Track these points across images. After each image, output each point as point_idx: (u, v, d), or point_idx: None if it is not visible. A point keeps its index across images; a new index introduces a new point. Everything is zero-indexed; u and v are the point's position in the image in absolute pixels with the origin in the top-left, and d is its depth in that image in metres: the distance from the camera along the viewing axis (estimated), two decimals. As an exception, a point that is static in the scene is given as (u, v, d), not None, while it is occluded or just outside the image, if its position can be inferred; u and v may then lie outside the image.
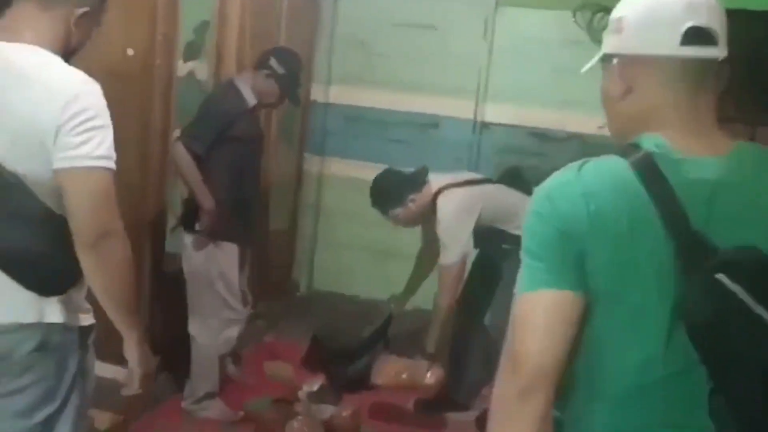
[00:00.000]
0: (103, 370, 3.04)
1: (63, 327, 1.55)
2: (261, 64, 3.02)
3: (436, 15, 4.45)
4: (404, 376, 2.94)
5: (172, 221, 3.41)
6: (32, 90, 1.44)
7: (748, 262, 1.08)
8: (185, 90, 3.36)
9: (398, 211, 3.06)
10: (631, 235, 1.12)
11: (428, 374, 2.92)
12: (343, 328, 3.92)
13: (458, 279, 2.98)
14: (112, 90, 2.91)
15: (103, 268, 1.51)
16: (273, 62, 2.98)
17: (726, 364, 1.08)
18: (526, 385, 1.12)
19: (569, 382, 1.17)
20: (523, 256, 1.18)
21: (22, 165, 1.45)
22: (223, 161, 2.94)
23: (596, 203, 1.12)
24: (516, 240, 1.33)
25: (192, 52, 3.59)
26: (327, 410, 2.93)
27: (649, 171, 1.13)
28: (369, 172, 4.63)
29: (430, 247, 3.22)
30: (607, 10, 2.79)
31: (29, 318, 1.51)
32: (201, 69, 3.60)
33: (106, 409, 2.90)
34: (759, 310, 1.04)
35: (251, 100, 3.00)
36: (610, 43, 1.25)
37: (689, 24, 1.16)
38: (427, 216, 3.08)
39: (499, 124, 4.39)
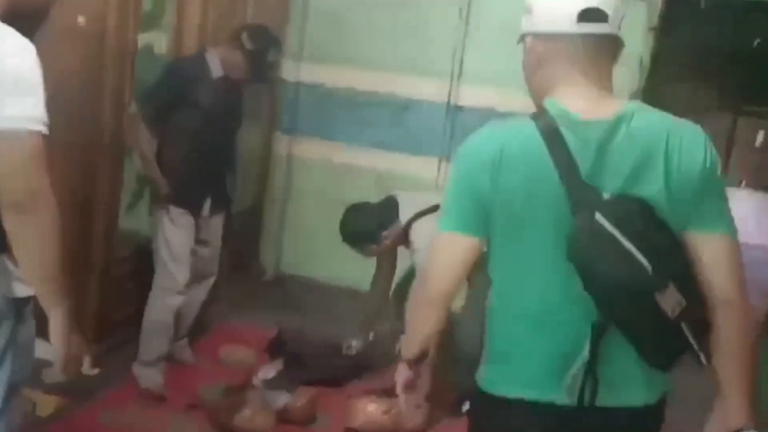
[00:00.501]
0: (44, 350, 2.95)
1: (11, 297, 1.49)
2: (232, 37, 3.02)
3: (410, -9, 4.31)
4: (385, 416, 2.80)
5: (127, 198, 3.30)
6: None
7: (623, 207, 1.32)
8: (142, 64, 3.21)
9: (372, 247, 3.08)
10: (532, 186, 1.36)
11: (413, 412, 2.80)
12: (310, 321, 3.83)
13: None
14: (62, 60, 2.82)
15: (28, 232, 1.44)
16: (244, 37, 2.97)
17: (605, 292, 1.33)
18: (431, 298, 1.51)
19: (486, 310, 1.50)
20: (444, 202, 1.48)
21: None
22: (180, 127, 2.95)
23: (502, 164, 1.37)
24: None
25: (149, 23, 3.43)
26: (281, 398, 2.83)
27: (549, 131, 1.36)
28: (341, 153, 4.56)
29: (386, 275, 3.33)
30: None
31: None
32: (159, 42, 3.46)
33: (49, 392, 2.80)
34: (628, 246, 1.29)
35: (217, 71, 2.97)
36: (523, 24, 1.46)
37: (583, 6, 1.37)
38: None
39: (473, 108, 4.27)
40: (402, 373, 1.64)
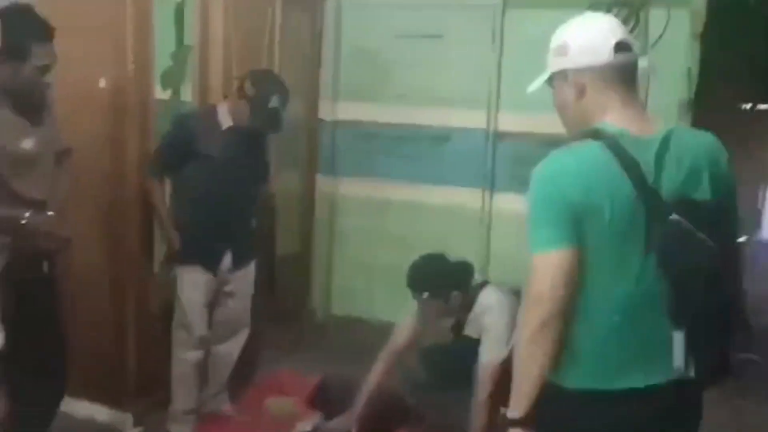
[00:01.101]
0: (84, 409, 2.97)
1: None
2: (238, 85, 2.92)
3: (442, 23, 4.26)
4: None
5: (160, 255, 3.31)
6: None
7: (688, 206, 1.55)
8: (169, 114, 3.27)
9: (437, 302, 2.85)
10: (612, 199, 1.54)
11: None
12: (360, 364, 3.74)
13: (496, 377, 2.72)
14: (86, 123, 2.88)
15: None
16: (246, 84, 2.87)
17: (682, 275, 1.54)
18: (546, 320, 1.54)
19: (573, 317, 1.58)
20: (534, 225, 1.58)
21: None
22: (190, 180, 2.91)
23: (586, 180, 1.54)
24: None
25: (170, 79, 3.48)
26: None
27: (618, 149, 1.56)
28: (383, 190, 4.50)
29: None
30: (623, 5, 3.24)
31: None
32: (186, 93, 3.50)
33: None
34: (700, 235, 1.52)
35: (226, 122, 2.90)
36: (558, 63, 1.67)
37: (617, 39, 1.62)
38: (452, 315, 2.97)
39: (513, 133, 4.14)
40: None
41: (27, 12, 2.27)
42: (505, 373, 2.70)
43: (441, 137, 4.33)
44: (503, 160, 4.20)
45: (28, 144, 2.29)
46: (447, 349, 3.12)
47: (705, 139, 1.68)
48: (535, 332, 1.56)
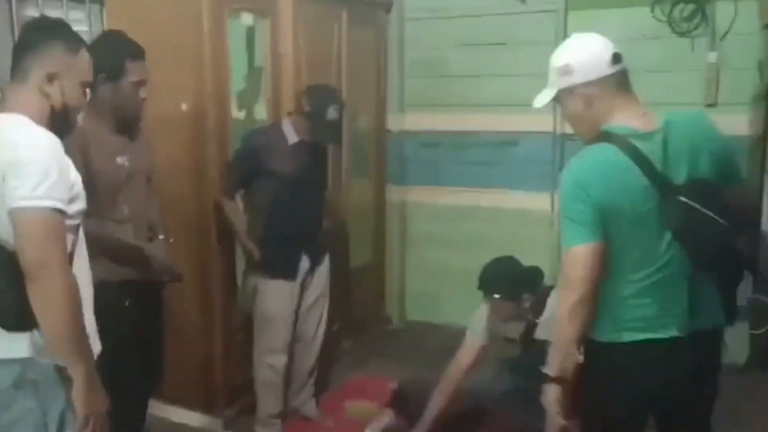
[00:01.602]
0: (177, 415, 3.14)
1: (39, 363, 1.65)
2: (298, 101, 3.07)
3: (505, 30, 4.31)
4: None
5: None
6: None
7: (695, 187, 1.85)
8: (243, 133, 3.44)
9: (508, 304, 2.87)
10: (629, 192, 1.84)
11: None
12: (436, 368, 3.81)
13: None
14: (171, 145, 3.06)
15: (37, 300, 1.59)
16: (303, 99, 3.00)
17: (696, 245, 1.86)
18: (579, 299, 1.85)
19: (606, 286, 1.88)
20: (565, 222, 1.88)
21: None
22: (263, 195, 3.05)
23: (606, 180, 1.84)
24: None
25: (245, 100, 3.65)
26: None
27: (629, 147, 1.84)
28: (451, 196, 4.57)
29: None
30: (688, 1, 3.60)
31: (3, 354, 1.64)
32: (259, 113, 3.66)
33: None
34: (707, 212, 1.83)
35: (292, 137, 3.03)
36: (565, 81, 1.94)
37: (612, 52, 1.92)
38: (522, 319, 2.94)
39: (581, 135, 4.14)
40: (551, 392, 1.96)
41: (119, 34, 2.46)
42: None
43: (508, 142, 4.38)
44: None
45: (122, 160, 2.46)
46: (528, 357, 3.13)
47: (697, 117, 1.99)
48: (569, 311, 1.87)
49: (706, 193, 1.86)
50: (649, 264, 1.90)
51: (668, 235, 1.87)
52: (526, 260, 3.09)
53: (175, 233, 3.05)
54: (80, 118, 2.25)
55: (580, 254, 1.85)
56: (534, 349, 2.94)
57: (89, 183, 2.28)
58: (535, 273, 2.98)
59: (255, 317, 3.16)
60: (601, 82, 1.90)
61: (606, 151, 1.85)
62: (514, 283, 2.88)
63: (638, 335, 1.92)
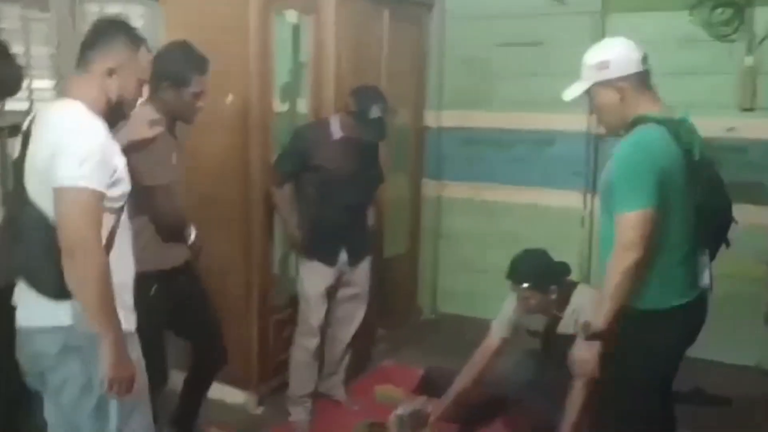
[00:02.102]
0: (215, 390, 3.32)
1: (81, 330, 1.79)
2: (345, 103, 3.21)
3: (543, 31, 4.38)
4: None
5: (280, 251, 3.63)
6: (48, 134, 1.81)
7: (710, 164, 2.23)
8: (287, 125, 3.61)
9: (532, 293, 2.95)
10: (675, 167, 2.14)
11: None
12: (464, 358, 3.92)
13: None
14: (217, 135, 3.23)
15: (76, 273, 1.72)
16: (350, 100, 3.14)
17: (714, 216, 2.22)
18: (637, 260, 2.09)
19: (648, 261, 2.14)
20: (626, 187, 2.11)
21: (39, 193, 1.79)
22: (309, 187, 3.22)
23: (662, 152, 2.12)
24: None
25: (288, 93, 3.80)
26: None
27: (671, 128, 2.15)
28: (485, 193, 4.66)
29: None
30: (727, 5, 3.73)
31: (48, 322, 1.80)
32: (301, 107, 3.82)
33: (222, 427, 3.20)
34: (723, 190, 2.25)
35: (337, 133, 3.17)
36: (602, 75, 2.24)
37: (642, 53, 2.25)
38: (546, 313, 3.06)
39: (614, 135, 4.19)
40: (591, 348, 2.16)
41: (190, 47, 2.63)
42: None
43: (544, 141, 4.45)
44: (604, 161, 4.25)
45: (175, 159, 2.65)
46: (549, 348, 3.22)
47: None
48: (625, 271, 2.09)
49: (716, 175, 2.22)
50: (683, 234, 2.19)
51: (692, 209, 2.17)
52: (557, 257, 3.16)
53: (219, 221, 3.23)
54: (157, 131, 2.50)
55: (641, 217, 2.08)
56: (556, 343, 3.05)
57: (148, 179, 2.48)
58: (563, 268, 3.07)
59: (299, 299, 3.35)
60: (633, 77, 2.20)
61: (655, 130, 2.14)
62: (543, 275, 2.96)
63: (675, 301, 2.20)
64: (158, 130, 2.47)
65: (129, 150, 2.29)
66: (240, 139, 3.27)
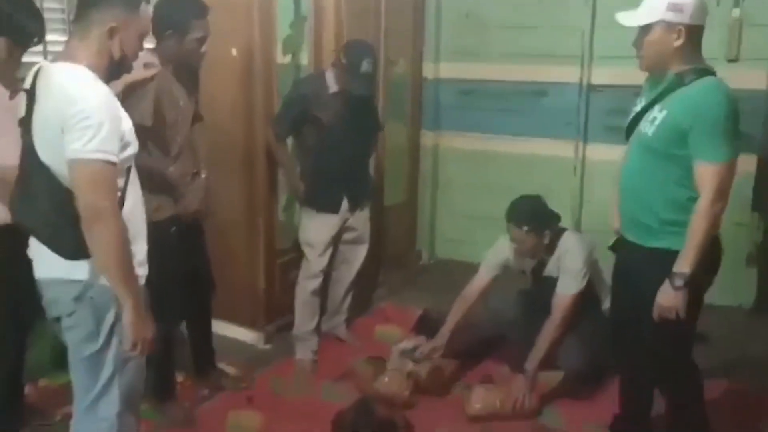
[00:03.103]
0: (226, 329, 3.53)
1: (96, 284, 1.89)
2: (335, 57, 3.33)
3: (538, -17, 4.46)
4: (499, 404, 3.01)
5: (283, 199, 3.81)
6: (54, 99, 1.81)
7: None
8: (290, 77, 3.75)
9: (529, 236, 3.10)
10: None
11: (526, 397, 3.01)
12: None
13: (574, 308, 3.07)
14: (222, 87, 3.36)
15: (96, 243, 1.80)
16: (341, 53, 3.26)
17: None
18: (723, 208, 2.23)
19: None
20: (720, 137, 2.18)
21: (50, 157, 1.82)
22: (308, 139, 3.35)
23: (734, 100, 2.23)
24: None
25: (290, 46, 3.93)
26: (408, 366, 3.18)
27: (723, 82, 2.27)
28: (481, 143, 4.81)
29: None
30: None
31: (63, 275, 1.90)
32: (303, 58, 3.94)
33: (234, 364, 3.41)
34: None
35: (333, 87, 3.29)
36: (671, 16, 2.23)
37: (704, 8, 2.28)
38: (536, 256, 3.22)
39: (606, 86, 4.34)
40: (680, 295, 2.24)
41: None
42: (575, 306, 3.06)
43: (538, 92, 4.58)
44: (596, 112, 4.41)
45: (184, 105, 2.77)
46: (537, 289, 3.42)
47: None
48: (715, 219, 2.21)
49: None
50: None
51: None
52: (550, 204, 3.31)
53: (224, 168, 3.38)
54: (154, 71, 2.60)
55: (729, 168, 2.20)
56: (542, 284, 3.25)
57: (157, 126, 2.64)
58: (556, 215, 3.24)
59: (301, 245, 3.52)
60: (698, 28, 2.26)
61: (724, 83, 2.26)
62: (541, 219, 3.13)
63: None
64: (154, 70, 2.60)
65: (128, 91, 2.48)
66: (244, 90, 3.40)
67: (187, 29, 2.67)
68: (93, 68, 1.86)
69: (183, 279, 2.88)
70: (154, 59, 2.67)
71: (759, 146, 4.01)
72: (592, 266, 3.15)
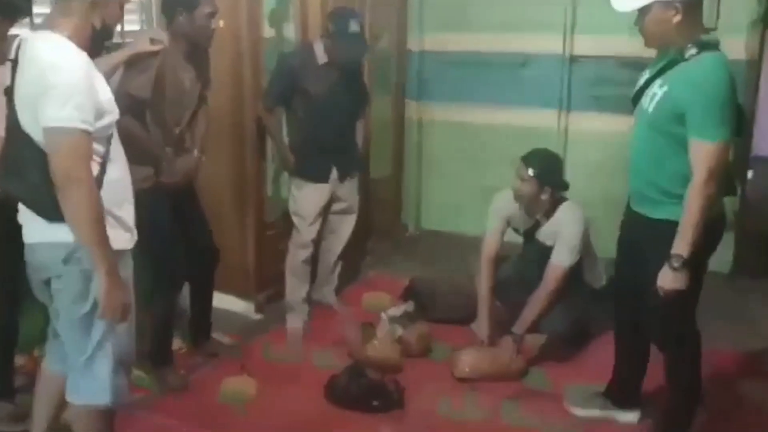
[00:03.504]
0: (218, 300, 3.59)
1: (83, 246, 1.92)
2: (323, 27, 3.37)
3: (520, -46, 4.49)
4: (487, 366, 3.10)
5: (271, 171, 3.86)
6: (33, 68, 1.86)
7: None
8: (276, 51, 3.77)
9: (531, 182, 3.12)
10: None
11: (513, 359, 3.10)
12: (445, 269, 4.23)
13: (566, 280, 3.11)
14: (211, 60, 3.37)
15: (69, 208, 1.84)
16: (329, 23, 3.30)
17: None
18: (719, 186, 2.25)
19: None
20: (716, 117, 2.19)
21: (30, 124, 1.88)
22: (297, 110, 3.40)
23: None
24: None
25: (275, 19, 3.95)
26: (398, 331, 3.27)
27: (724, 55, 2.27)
28: (466, 113, 4.87)
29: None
30: None
31: (50, 238, 1.95)
32: (289, 30, 3.97)
33: (227, 333, 3.49)
34: None
35: (322, 58, 3.34)
36: None
37: None
38: (532, 212, 3.26)
39: (588, 56, 4.41)
40: (671, 277, 2.28)
41: None
42: (566, 278, 3.12)
43: (520, 63, 4.63)
44: (578, 82, 4.48)
45: (189, 82, 2.83)
46: (528, 254, 3.48)
47: None
48: (710, 198, 2.22)
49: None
50: None
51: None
52: None
53: (215, 141, 3.42)
54: (160, 46, 2.67)
55: (724, 148, 2.21)
56: (534, 247, 3.33)
57: (157, 101, 2.70)
58: (565, 182, 3.25)
59: (291, 215, 3.58)
60: (695, 2, 2.28)
61: (724, 58, 2.25)
62: (548, 171, 3.15)
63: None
64: (160, 45, 2.65)
65: (132, 61, 2.56)
66: (231, 62, 3.44)
67: (196, 4, 2.73)
68: (74, 38, 1.90)
69: (181, 247, 2.95)
70: (162, 36, 2.72)
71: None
72: (584, 240, 3.20)
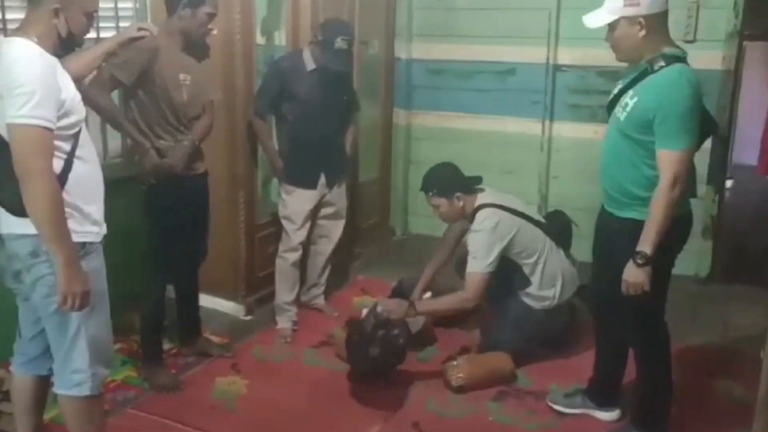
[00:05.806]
0: (209, 302, 3.65)
1: None
2: (312, 35, 3.46)
3: (506, -34, 4.61)
4: (483, 372, 3.16)
5: (262, 176, 3.92)
6: (1, 70, 1.94)
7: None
8: (267, 57, 3.86)
9: (441, 200, 3.24)
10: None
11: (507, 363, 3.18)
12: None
13: (481, 289, 3.12)
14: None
15: (28, 201, 1.93)
16: (318, 31, 3.39)
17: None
18: (677, 199, 2.35)
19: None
20: (682, 124, 2.31)
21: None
22: (286, 116, 3.48)
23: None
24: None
25: (268, 26, 4.02)
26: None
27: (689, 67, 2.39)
28: (452, 121, 4.97)
29: (448, 244, 3.62)
30: None
31: (18, 230, 2.03)
32: (281, 37, 4.05)
33: (217, 334, 3.55)
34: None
35: (310, 65, 3.42)
36: (632, 11, 2.36)
37: None
38: (460, 221, 3.36)
39: (571, 66, 4.52)
40: (644, 272, 2.40)
41: None
42: (480, 287, 3.10)
43: (505, 72, 4.75)
44: (561, 91, 4.59)
45: (184, 78, 2.92)
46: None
47: None
48: (673, 203, 2.34)
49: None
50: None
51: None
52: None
53: (208, 144, 3.46)
54: (158, 35, 2.79)
55: (688, 155, 2.34)
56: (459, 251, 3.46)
57: (151, 90, 2.81)
58: (475, 181, 3.34)
59: (281, 219, 3.64)
60: (660, 15, 2.38)
61: (690, 69, 2.36)
62: (445, 183, 3.27)
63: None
64: (145, 33, 2.76)
65: (124, 45, 2.72)
66: (225, 68, 3.50)
67: (200, 3, 2.85)
68: (41, 43, 2.00)
69: (181, 244, 3.04)
70: (152, 26, 2.83)
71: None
72: (514, 252, 3.22)
